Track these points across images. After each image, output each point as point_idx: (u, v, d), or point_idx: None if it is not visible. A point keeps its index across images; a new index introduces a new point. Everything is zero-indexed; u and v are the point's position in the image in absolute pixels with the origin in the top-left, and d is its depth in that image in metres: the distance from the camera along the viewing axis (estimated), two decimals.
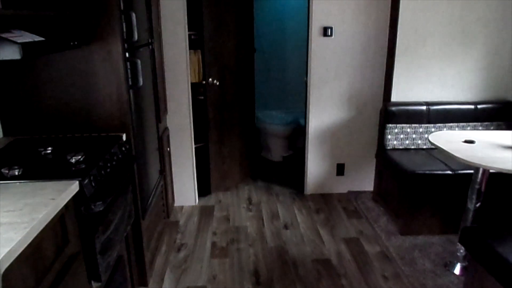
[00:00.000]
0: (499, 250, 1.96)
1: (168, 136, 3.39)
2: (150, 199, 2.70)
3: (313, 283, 2.60)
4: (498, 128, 3.38)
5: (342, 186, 3.88)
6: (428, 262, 2.76)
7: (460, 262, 2.64)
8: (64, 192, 1.45)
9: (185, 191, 3.64)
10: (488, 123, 3.40)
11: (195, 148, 3.59)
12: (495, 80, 3.50)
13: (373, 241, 3.06)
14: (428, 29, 3.37)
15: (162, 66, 3.23)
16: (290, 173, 4.38)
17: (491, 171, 2.54)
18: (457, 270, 2.64)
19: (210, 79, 3.51)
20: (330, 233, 3.19)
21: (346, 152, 3.78)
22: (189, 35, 3.40)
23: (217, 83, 3.57)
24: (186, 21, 3.25)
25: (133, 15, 2.19)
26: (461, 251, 2.63)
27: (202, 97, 3.60)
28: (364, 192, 3.86)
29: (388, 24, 3.48)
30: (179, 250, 2.99)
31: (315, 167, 3.81)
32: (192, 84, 3.49)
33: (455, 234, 2.97)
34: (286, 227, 3.29)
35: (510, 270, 1.87)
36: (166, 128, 3.37)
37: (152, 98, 2.83)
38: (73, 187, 1.53)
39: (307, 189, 3.87)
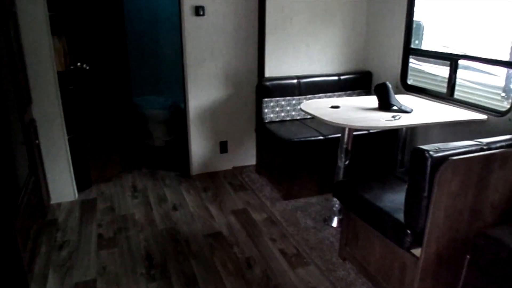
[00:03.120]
0: (366, 196, 2.23)
1: (35, 128, 3.09)
2: (21, 197, 2.45)
3: (207, 256, 2.65)
4: (359, 95, 3.78)
5: (227, 162, 3.98)
6: (309, 220, 3.01)
7: (336, 216, 2.93)
8: None
9: (62, 186, 3.37)
10: (351, 91, 3.79)
11: (69, 139, 3.33)
12: (353, 53, 3.89)
13: (259, 209, 3.22)
14: (294, 8, 3.58)
15: (21, 52, 2.91)
16: (174, 156, 4.33)
17: (354, 133, 2.85)
18: (334, 223, 2.93)
19: (79, 64, 3.27)
20: (219, 208, 3.27)
21: (227, 130, 3.87)
22: (50, 16, 3.09)
23: (87, 68, 3.34)
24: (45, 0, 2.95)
25: None
26: (336, 205, 2.92)
27: (72, 87, 3.34)
28: (248, 166, 4.01)
29: (257, 3, 3.61)
30: (61, 248, 2.77)
31: (199, 147, 3.84)
32: (61, 72, 3.21)
33: (331, 193, 3.26)
34: (175, 208, 3.27)
35: (376, 212, 2.13)
36: (33, 120, 3.07)
37: (11, 87, 2.54)
38: None
39: (193, 169, 3.89)
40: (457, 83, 3.08)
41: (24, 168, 2.66)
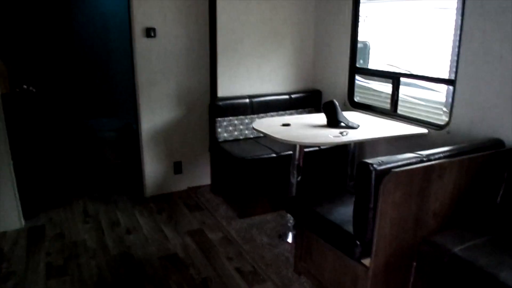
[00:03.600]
0: (317, 210, 2.29)
1: None
2: None
3: (162, 280, 2.60)
4: (310, 112, 3.90)
5: (182, 183, 3.95)
6: (265, 237, 3.04)
7: (291, 231, 2.98)
8: None
9: (6, 214, 3.20)
10: (302, 109, 3.91)
11: (14, 164, 3.19)
12: (303, 73, 4.02)
13: (215, 229, 3.22)
14: (244, 30, 3.68)
15: None
16: (127, 179, 4.25)
17: (306, 149, 2.94)
18: (289, 238, 2.98)
19: (25, 86, 3.18)
20: (174, 229, 3.23)
21: (181, 150, 3.86)
22: None
23: (34, 90, 3.26)
24: None
25: None
26: (291, 221, 2.97)
27: (18, 109, 3.23)
28: (203, 186, 4.00)
29: (208, 26, 3.67)
30: (6, 280, 2.62)
31: (153, 168, 3.79)
32: (5, 95, 3.09)
33: (286, 211, 3.31)
34: (128, 232, 3.20)
35: (327, 225, 2.20)
36: None
37: None
38: None
39: (147, 191, 3.82)
40: (401, 99, 3.26)
41: None
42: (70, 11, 3.62)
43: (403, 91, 3.26)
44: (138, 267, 2.73)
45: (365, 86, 3.91)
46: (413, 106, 3.58)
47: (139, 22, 3.42)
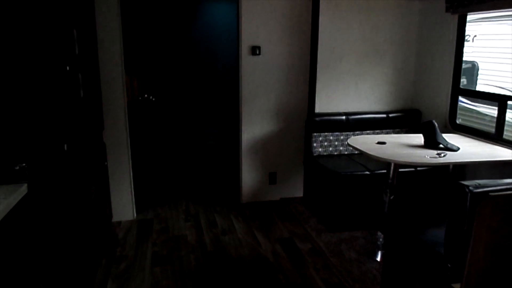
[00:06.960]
0: (409, 230, 2.30)
1: (105, 151, 3.44)
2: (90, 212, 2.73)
3: (253, 280, 2.78)
4: (407, 132, 3.85)
5: (275, 193, 4.14)
6: (353, 253, 3.07)
7: (380, 250, 2.97)
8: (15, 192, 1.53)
9: (123, 206, 3.67)
10: (399, 129, 3.87)
11: (135, 163, 3.65)
12: (402, 91, 4.00)
13: (304, 240, 3.33)
14: (344, 48, 3.79)
15: (99, 87, 3.30)
16: (226, 184, 4.55)
17: (402, 169, 2.93)
18: (378, 257, 2.97)
19: (146, 95, 3.64)
20: (266, 235, 3.41)
21: (277, 162, 4.06)
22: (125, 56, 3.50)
23: (153, 99, 3.71)
24: (121, 39, 3.36)
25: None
26: (381, 239, 2.97)
27: (139, 115, 3.71)
28: (295, 198, 4.14)
29: (309, 44, 3.85)
30: (120, 261, 3.03)
31: (249, 177, 4.04)
32: (130, 102, 3.57)
33: (376, 228, 3.31)
34: (224, 233, 3.46)
35: (418, 245, 2.20)
36: (104, 144, 3.42)
37: (91, 115, 2.91)
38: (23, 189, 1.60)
39: (243, 198, 4.08)
40: (510, 123, 3.07)
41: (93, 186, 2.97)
42: (188, 33, 4.05)
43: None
44: (231, 266, 2.96)
45: (468, 108, 3.75)
46: None
47: (246, 41, 3.71)
